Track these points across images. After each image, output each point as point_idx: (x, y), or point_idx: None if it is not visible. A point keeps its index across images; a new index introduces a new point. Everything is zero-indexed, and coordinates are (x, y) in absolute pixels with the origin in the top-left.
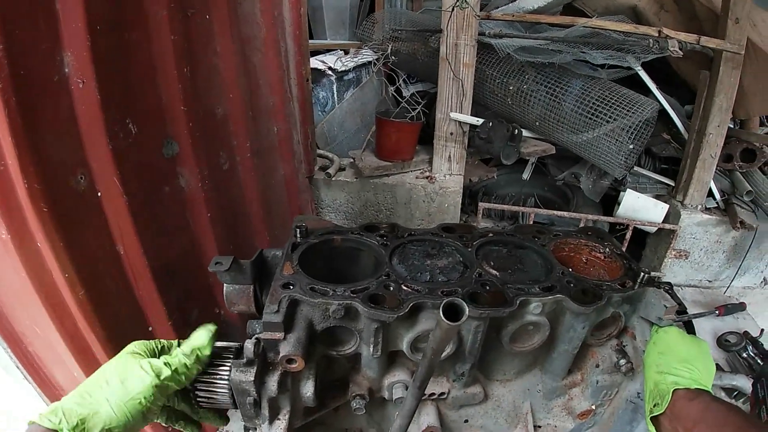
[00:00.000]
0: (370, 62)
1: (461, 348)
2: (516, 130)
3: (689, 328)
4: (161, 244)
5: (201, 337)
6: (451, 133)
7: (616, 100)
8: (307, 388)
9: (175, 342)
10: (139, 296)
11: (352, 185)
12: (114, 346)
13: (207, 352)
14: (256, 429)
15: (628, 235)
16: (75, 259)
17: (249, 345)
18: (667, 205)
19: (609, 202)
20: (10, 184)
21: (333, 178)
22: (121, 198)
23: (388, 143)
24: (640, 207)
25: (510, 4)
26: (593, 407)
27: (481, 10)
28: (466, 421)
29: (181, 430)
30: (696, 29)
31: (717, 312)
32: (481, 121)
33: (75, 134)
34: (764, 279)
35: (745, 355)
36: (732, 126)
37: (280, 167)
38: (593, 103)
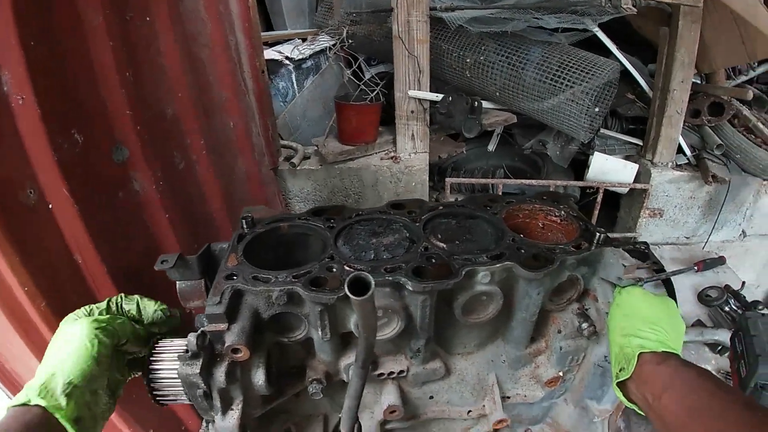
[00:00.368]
0: (330, 48)
1: (412, 324)
2: (476, 103)
3: (668, 287)
4: (120, 250)
5: (145, 300)
6: (412, 111)
7: (575, 64)
8: (258, 377)
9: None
10: None
11: (317, 173)
12: None
13: (149, 311)
14: (213, 421)
15: (599, 199)
16: (33, 272)
17: (191, 338)
18: (637, 165)
19: (581, 167)
20: None
21: (298, 168)
22: (72, 208)
23: (349, 127)
24: (609, 169)
25: None
26: (560, 374)
27: None
28: (432, 397)
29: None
30: None
31: (696, 268)
32: (440, 96)
33: (20, 150)
34: (743, 231)
35: (727, 308)
36: (699, 81)
37: (240, 161)
38: (553, 69)
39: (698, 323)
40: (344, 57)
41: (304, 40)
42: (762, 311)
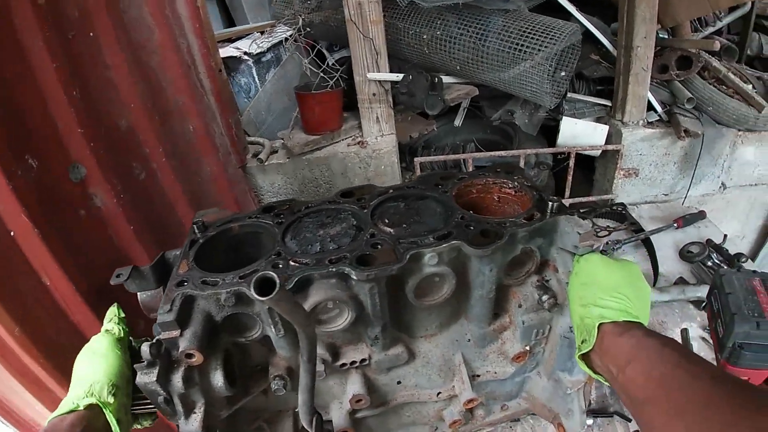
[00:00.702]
0: (286, 39)
1: (365, 312)
2: (436, 79)
3: (648, 246)
4: (87, 267)
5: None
6: (374, 94)
7: (534, 30)
8: (217, 379)
9: None
10: (76, 321)
11: (286, 166)
12: (62, 373)
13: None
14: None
15: (571, 163)
16: (1, 299)
17: (145, 347)
18: (607, 126)
19: (553, 133)
20: None
21: (266, 163)
22: (34, 232)
23: (312, 117)
24: (579, 132)
25: None
26: (527, 348)
27: None
28: (399, 382)
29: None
30: None
31: (676, 225)
32: (401, 76)
33: None
34: (722, 184)
35: (709, 263)
36: (665, 36)
37: (205, 164)
38: (512, 37)
39: (681, 281)
40: (304, 46)
41: (263, 33)
42: (738, 266)
